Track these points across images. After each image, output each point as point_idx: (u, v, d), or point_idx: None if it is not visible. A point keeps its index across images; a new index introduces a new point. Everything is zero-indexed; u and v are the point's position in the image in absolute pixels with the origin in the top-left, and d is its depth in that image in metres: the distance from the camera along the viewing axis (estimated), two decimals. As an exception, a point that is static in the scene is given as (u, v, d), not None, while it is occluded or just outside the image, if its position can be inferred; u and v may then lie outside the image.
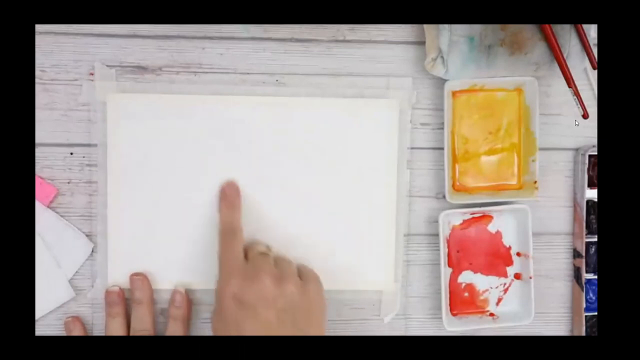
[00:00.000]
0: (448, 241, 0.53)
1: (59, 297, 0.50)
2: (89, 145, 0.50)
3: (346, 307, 0.53)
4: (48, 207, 0.50)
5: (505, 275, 0.54)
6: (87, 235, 0.51)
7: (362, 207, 0.52)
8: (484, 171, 0.53)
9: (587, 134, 0.54)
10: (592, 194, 0.53)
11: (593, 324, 0.54)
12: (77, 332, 0.50)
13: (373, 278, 0.52)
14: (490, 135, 0.53)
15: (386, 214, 0.52)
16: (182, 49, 0.50)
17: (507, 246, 0.54)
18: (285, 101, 0.51)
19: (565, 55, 0.50)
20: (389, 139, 0.51)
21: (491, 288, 0.54)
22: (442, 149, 0.51)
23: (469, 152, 0.52)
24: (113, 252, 0.50)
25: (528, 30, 0.50)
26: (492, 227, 0.54)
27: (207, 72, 0.51)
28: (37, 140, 0.50)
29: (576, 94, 0.51)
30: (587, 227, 0.53)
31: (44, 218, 0.50)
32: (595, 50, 0.50)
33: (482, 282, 0.54)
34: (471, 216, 0.53)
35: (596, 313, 0.53)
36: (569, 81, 0.50)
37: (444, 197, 0.52)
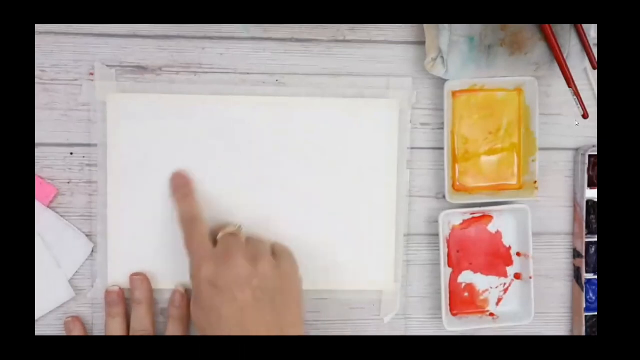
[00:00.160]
0: (448, 241, 0.53)
1: (59, 297, 0.50)
2: (89, 145, 0.50)
3: (346, 307, 0.53)
4: (48, 207, 0.50)
5: (505, 275, 0.54)
6: (87, 235, 0.51)
7: (362, 207, 0.52)
8: (484, 171, 0.53)
9: (587, 134, 0.54)
10: (592, 194, 0.53)
11: (593, 324, 0.54)
12: (77, 332, 0.50)
13: (373, 278, 0.52)
14: (490, 135, 0.53)
15: (386, 214, 0.52)
16: (182, 49, 0.50)
17: (507, 246, 0.54)
18: (285, 101, 0.51)
19: (565, 55, 0.50)
20: (389, 139, 0.51)
21: (491, 288, 0.54)
22: (442, 149, 0.51)
23: (469, 152, 0.52)
24: (113, 252, 0.50)
25: (528, 30, 0.50)
26: (492, 227, 0.54)
27: (207, 72, 0.51)
28: (37, 140, 0.50)
29: (576, 94, 0.51)
30: (587, 227, 0.53)
31: (44, 218, 0.50)
32: (595, 50, 0.50)
33: (482, 282, 0.54)
34: (471, 216, 0.53)
35: (596, 313, 0.53)
36: (569, 81, 0.50)
37: (444, 197, 0.52)
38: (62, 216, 0.50)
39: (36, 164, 0.50)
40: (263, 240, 0.48)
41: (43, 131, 0.50)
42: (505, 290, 0.54)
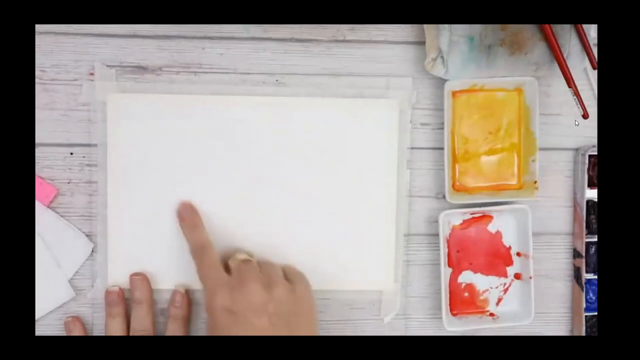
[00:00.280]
0: (448, 241, 0.53)
1: (59, 297, 0.50)
2: (89, 145, 0.50)
3: (346, 307, 0.53)
4: (48, 207, 0.50)
5: (505, 275, 0.54)
6: (87, 235, 0.51)
7: (362, 207, 0.52)
8: (484, 171, 0.53)
9: (587, 134, 0.54)
10: (592, 194, 0.53)
11: (593, 324, 0.54)
12: (77, 332, 0.50)
13: (373, 278, 0.52)
14: (490, 135, 0.53)
15: (386, 214, 0.52)
16: (182, 49, 0.50)
17: (507, 246, 0.54)
18: (285, 101, 0.51)
19: (565, 55, 0.50)
20: (389, 139, 0.51)
21: (491, 288, 0.54)
22: (442, 149, 0.51)
23: (469, 152, 0.52)
24: (113, 252, 0.50)
25: (528, 30, 0.50)
26: (492, 227, 0.54)
27: (207, 72, 0.51)
28: (37, 140, 0.50)
29: (576, 94, 0.51)
30: (587, 227, 0.53)
31: (44, 218, 0.50)
32: (595, 50, 0.50)
33: (482, 282, 0.54)
34: (471, 216, 0.53)
35: (596, 313, 0.53)
36: (569, 81, 0.50)
37: (444, 197, 0.52)
38: (62, 216, 0.50)
39: (36, 164, 0.50)
40: (274, 264, 0.48)
41: (43, 131, 0.50)
42: (505, 290, 0.54)
